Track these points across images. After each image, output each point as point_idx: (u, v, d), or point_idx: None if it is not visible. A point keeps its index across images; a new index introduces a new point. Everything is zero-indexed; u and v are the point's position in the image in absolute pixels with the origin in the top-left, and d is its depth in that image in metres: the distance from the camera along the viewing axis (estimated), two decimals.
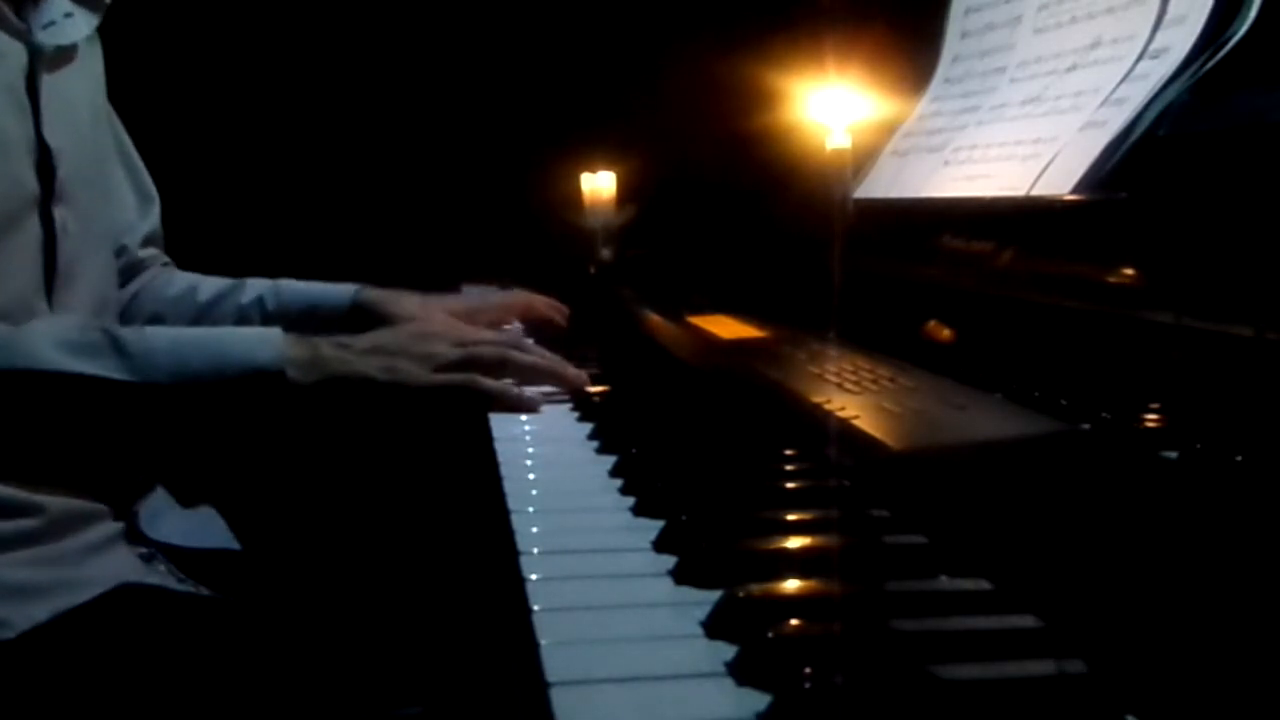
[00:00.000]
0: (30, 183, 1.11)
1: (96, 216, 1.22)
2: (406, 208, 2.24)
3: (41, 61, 1.13)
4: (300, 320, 1.38)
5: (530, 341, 1.23)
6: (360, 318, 1.37)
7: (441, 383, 1.09)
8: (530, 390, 1.16)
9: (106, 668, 0.96)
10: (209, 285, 1.43)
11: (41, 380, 1.00)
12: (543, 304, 1.57)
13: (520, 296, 1.59)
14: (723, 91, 1.72)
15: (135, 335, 1.06)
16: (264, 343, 1.06)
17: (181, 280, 1.44)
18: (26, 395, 1.00)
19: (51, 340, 1.02)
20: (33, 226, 1.11)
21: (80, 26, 1.19)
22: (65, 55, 1.18)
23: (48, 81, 1.14)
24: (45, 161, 1.12)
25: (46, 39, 1.14)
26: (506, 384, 1.13)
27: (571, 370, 1.18)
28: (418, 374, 1.08)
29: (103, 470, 1.11)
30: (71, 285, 1.14)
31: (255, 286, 1.41)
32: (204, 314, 1.40)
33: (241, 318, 1.40)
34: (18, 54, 1.12)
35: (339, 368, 1.07)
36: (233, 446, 1.20)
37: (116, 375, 1.02)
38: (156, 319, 1.38)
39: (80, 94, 1.22)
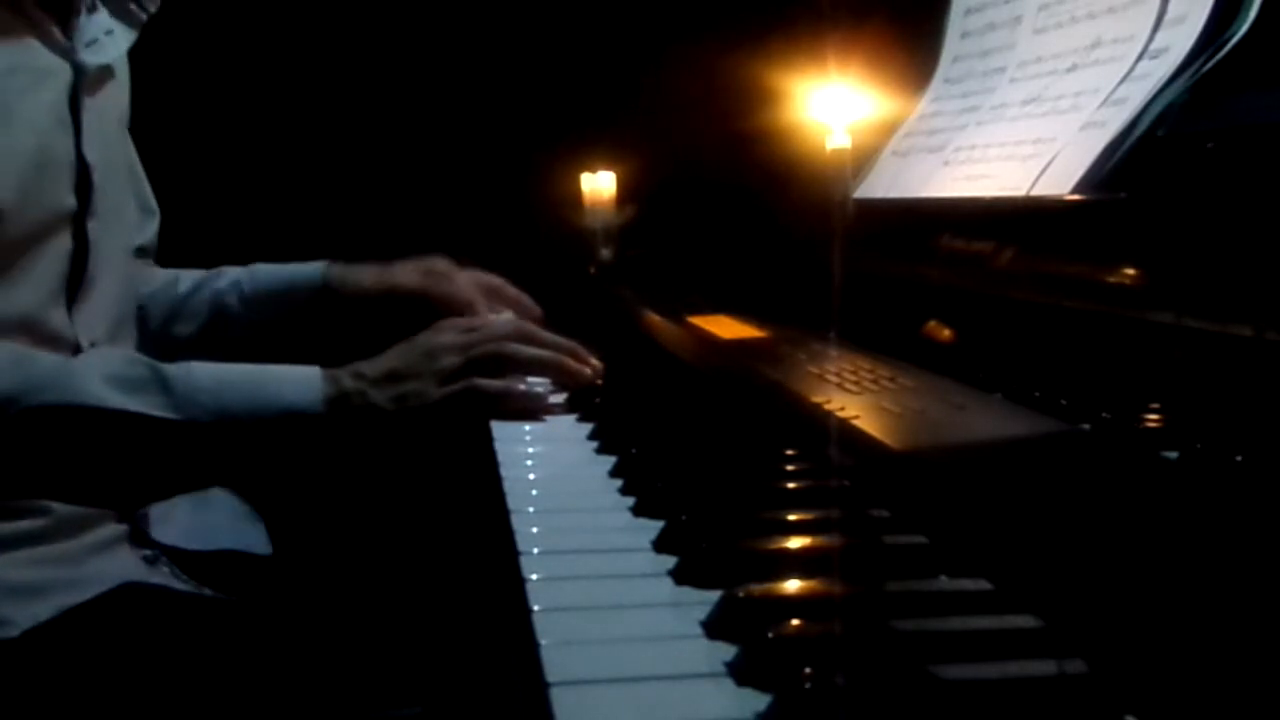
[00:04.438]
0: (69, 200, 1.13)
1: (121, 228, 1.25)
2: (406, 208, 2.23)
3: (84, 80, 1.16)
4: (277, 299, 1.41)
5: (538, 330, 1.21)
6: (330, 294, 1.40)
7: (445, 395, 1.10)
8: (538, 384, 1.16)
9: (108, 666, 0.97)
10: (187, 277, 1.44)
11: (87, 416, 1.01)
12: (493, 286, 1.48)
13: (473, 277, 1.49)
14: (722, 91, 1.72)
15: (180, 372, 1.07)
16: (304, 385, 1.08)
17: (159, 276, 1.45)
18: (72, 429, 1.01)
19: (99, 375, 1.03)
20: (65, 240, 1.13)
21: (120, 43, 1.22)
22: (105, 74, 1.21)
23: (88, 100, 1.17)
24: (84, 178, 1.15)
25: (90, 57, 1.17)
26: (511, 382, 1.13)
27: (571, 364, 1.17)
28: (424, 394, 1.10)
29: (134, 495, 1.13)
30: (92, 295, 1.16)
31: (230, 273, 1.43)
32: (182, 303, 1.42)
33: (219, 303, 1.41)
34: (63, 73, 1.14)
35: (356, 401, 1.09)
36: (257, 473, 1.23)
37: (160, 413, 1.03)
38: (139, 312, 1.39)
39: (113, 111, 1.25)
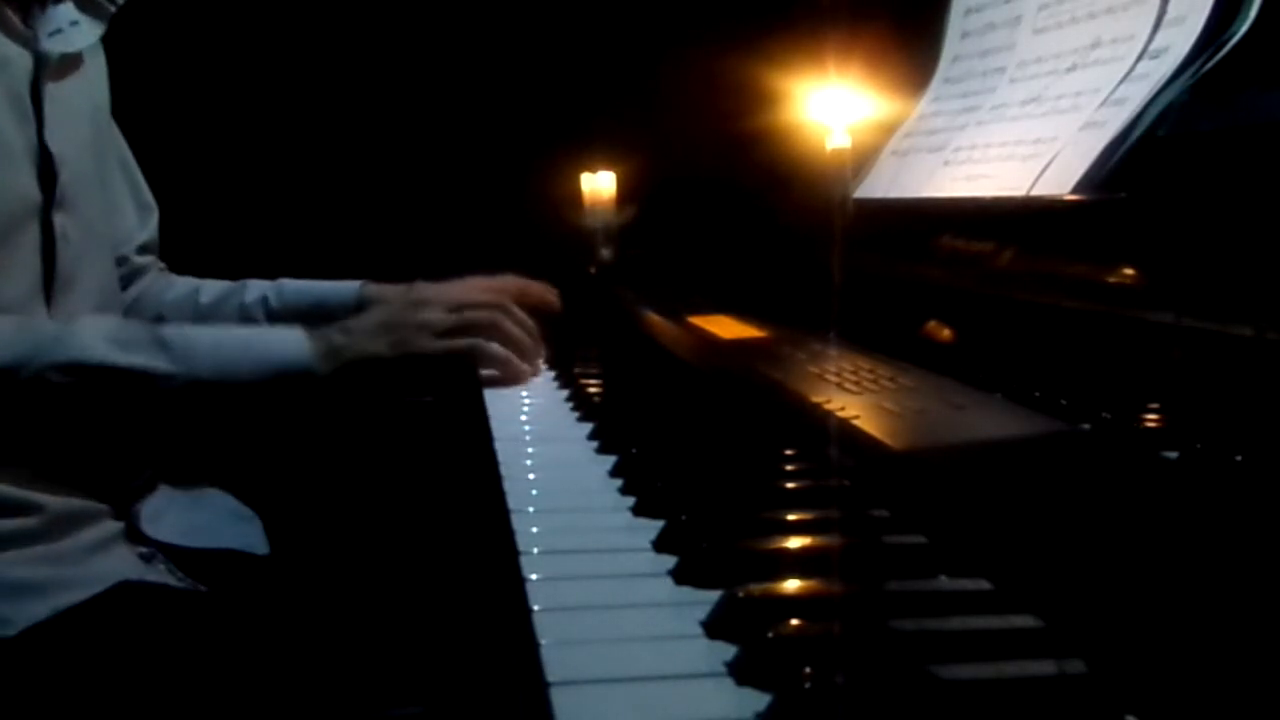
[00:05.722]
0: (31, 190, 1.12)
1: (98, 223, 1.23)
2: (406, 208, 2.23)
3: (46, 69, 1.14)
4: (307, 317, 1.40)
5: (516, 309, 1.27)
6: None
7: (446, 349, 1.17)
8: None
9: (106, 665, 0.97)
10: (210, 288, 1.44)
11: (94, 373, 1.04)
12: (536, 288, 1.51)
13: (511, 281, 1.56)
14: (723, 91, 1.72)
15: (176, 332, 1.11)
16: (292, 341, 1.13)
17: (181, 284, 1.45)
18: (80, 388, 1.04)
19: (100, 335, 1.06)
20: (32, 233, 1.12)
21: (85, 34, 1.21)
22: (70, 63, 1.19)
23: (52, 89, 1.15)
24: (47, 168, 1.13)
25: (52, 46, 1.15)
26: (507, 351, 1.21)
27: (525, 367, 1.23)
28: (423, 343, 1.16)
29: (137, 458, 1.17)
30: (71, 291, 1.15)
31: (257, 287, 1.43)
32: (206, 316, 1.42)
33: (245, 318, 1.41)
34: (23, 61, 1.13)
35: (351, 353, 1.13)
36: (252, 435, 1.30)
37: (163, 368, 1.07)
38: (158, 322, 1.39)
39: (84, 101, 1.23)
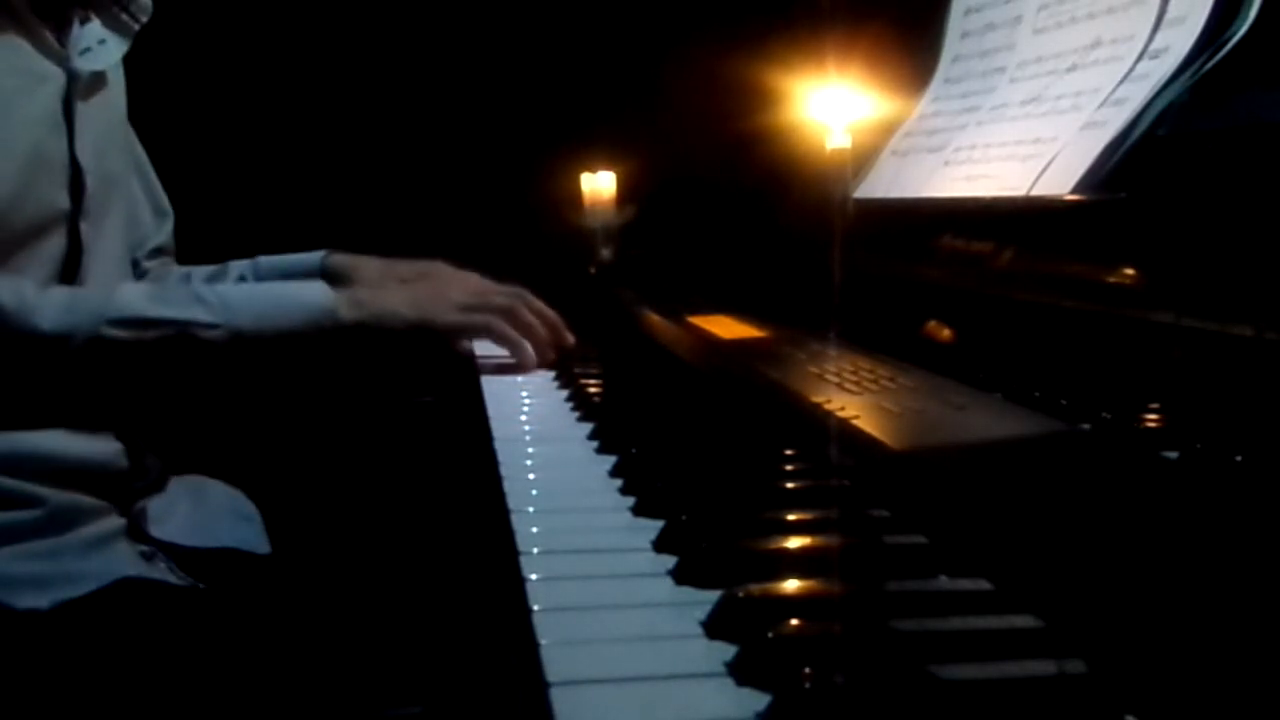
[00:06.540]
0: (62, 200, 1.16)
1: (118, 230, 1.27)
2: (407, 208, 2.24)
3: (77, 85, 1.19)
4: None
5: (534, 300, 1.31)
6: (330, 282, 1.42)
7: (463, 323, 1.23)
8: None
9: (103, 661, 0.97)
10: (198, 273, 1.47)
11: (142, 325, 1.09)
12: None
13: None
14: (723, 91, 1.72)
15: (208, 289, 1.17)
16: (317, 291, 1.19)
17: (174, 275, 1.46)
18: (131, 346, 1.08)
19: (140, 294, 1.11)
20: (58, 241, 1.16)
21: (112, 52, 1.25)
22: (98, 79, 1.24)
23: (81, 104, 1.19)
24: (76, 180, 1.17)
25: (83, 64, 1.20)
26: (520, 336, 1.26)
27: (533, 356, 1.27)
28: (442, 312, 1.21)
29: (182, 411, 1.23)
30: None
31: (237, 267, 1.46)
32: None
33: None
34: (57, 78, 1.17)
35: (374, 306, 1.18)
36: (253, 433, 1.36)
37: (204, 318, 1.11)
38: None
39: (108, 114, 1.28)
